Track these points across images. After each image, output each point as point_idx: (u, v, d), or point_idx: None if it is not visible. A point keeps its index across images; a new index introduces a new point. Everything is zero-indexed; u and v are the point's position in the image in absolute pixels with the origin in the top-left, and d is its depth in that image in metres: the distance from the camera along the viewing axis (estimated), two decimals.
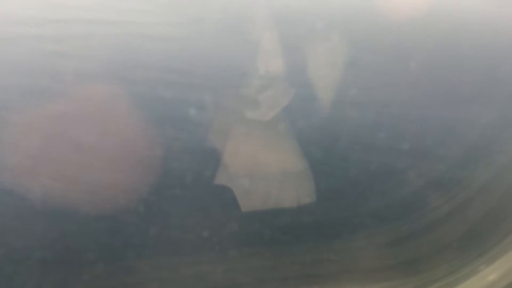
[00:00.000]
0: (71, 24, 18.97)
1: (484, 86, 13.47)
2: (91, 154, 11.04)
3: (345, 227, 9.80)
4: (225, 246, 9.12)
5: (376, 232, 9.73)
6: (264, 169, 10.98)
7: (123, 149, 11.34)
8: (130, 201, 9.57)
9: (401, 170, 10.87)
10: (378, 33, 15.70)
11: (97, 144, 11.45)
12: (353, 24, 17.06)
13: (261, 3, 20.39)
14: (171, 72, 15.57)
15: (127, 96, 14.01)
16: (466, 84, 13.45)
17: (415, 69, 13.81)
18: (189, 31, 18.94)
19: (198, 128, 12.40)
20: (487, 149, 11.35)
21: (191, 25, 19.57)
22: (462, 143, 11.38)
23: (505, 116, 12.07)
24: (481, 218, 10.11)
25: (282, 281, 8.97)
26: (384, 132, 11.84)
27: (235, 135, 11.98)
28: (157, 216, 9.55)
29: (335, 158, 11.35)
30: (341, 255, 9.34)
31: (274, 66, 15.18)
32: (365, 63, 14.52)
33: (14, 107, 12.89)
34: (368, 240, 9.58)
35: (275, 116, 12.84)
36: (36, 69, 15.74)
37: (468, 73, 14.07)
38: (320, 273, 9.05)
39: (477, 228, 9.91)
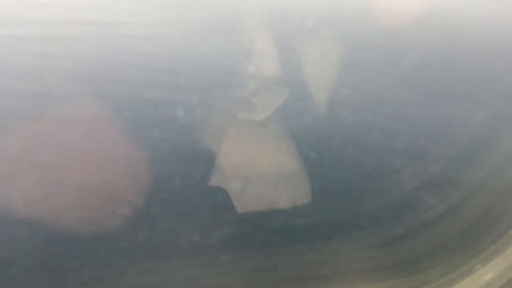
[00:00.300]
0: (55, 25, 18.67)
1: (480, 84, 13.51)
2: (75, 157, 10.85)
3: (339, 228, 9.69)
4: (217, 249, 8.96)
5: (370, 233, 9.63)
6: (254, 170, 10.83)
7: (108, 151, 11.15)
8: (117, 204, 9.38)
9: (395, 170, 10.77)
10: (372, 32, 15.65)
11: (81, 146, 11.27)
12: (347, 23, 17.06)
13: (253, 2, 20.27)
14: (157, 72, 15.39)
15: (111, 98, 13.82)
16: (461, 83, 13.45)
17: (409, 67, 13.81)
18: (179, 31, 18.75)
19: (185, 129, 12.23)
20: (482, 148, 11.31)
21: (181, 24, 19.36)
22: (456, 142, 11.34)
23: (500, 114, 12.06)
24: (476, 218, 10.10)
25: (276, 284, 8.85)
26: (379, 131, 11.77)
27: (224, 136, 11.83)
28: (146, 220, 9.36)
29: (328, 159, 11.23)
30: (336, 256, 9.23)
31: (265, 66, 15.07)
32: (360, 62, 14.44)
33: None
34: (362, 241, 9.48)
35: (265, 116, 12.70)
36: (17, 70, 15.49)
37: (463, 72, 14.10)
38: (314, 275, 8.97)
39: (472, 228, 9.90)
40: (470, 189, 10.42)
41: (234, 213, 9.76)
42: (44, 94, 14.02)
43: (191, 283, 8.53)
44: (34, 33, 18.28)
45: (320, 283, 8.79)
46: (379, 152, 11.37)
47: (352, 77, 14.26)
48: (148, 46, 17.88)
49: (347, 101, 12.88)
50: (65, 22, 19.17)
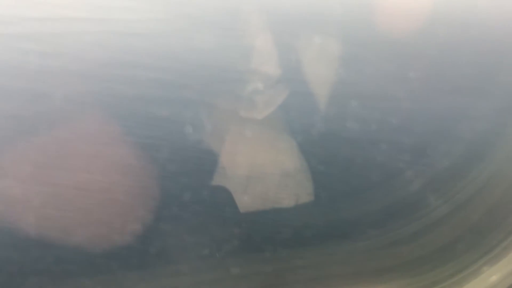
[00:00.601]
0: (47, 22, 18.27)
1: (483, 80, 13.58)
2: (68, 153, 10.62)
3: (347, 230, 9.59)
4: (221, 251, 8.80)
5: (378, 233, 9.58)
6: (257, 170, 10.68)
7: (98, 149, 10.92)
8: (112, 201, 9.22)
9: (400, 169, 10.69)
10: (372, 30, 15.65)
11: (73, 143, 11.03)
12: (346, 21, 17.03)
13: None
14: (148, 69, 15.15)
15: (103, 95, 13.56)
16: (464, 80, 13.51)
17: (409, 65, 13.82)
18: (173, 27, 18.46)
19: (184, 127, 12.03)
20: (486, 147, 11.30)
21: (175, 21, 19.09)
22: (461, 140, 11.32)
23: (507, 111, 12.09)
24: (482, 217, 10.01)
25: (284, 287, 8.71)
26: (380, 128, 11.73)
27: (226, 134, 11.65)
28: (145, 221, 9.20)
29: (332, 157, 11.12)
30: (343, 257, 9.17)
31: (265, 63, 14.91)
32: (361, 59, 14.41)
33: None
34: (370, 242, 9.45)
35: (266, 114, 12.54)
36: (8, 68, 15.12)
37: (464, 67, 14.15)
38: (322, 276, 8.80)
39: (478, 227, 9.81)
40: (475, 188, 10.35)
41: (238, 213, 9.62)
42: (36, 92, 13.63)
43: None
44: (26, 30, 17.82)
45: (330, 284, 8.66)
46: (382, 150, 11.31)
47: (355, 74, 14.22)
48: (143, 43, 17.55)
49: (350, 99, 12.82)
50: (57, 20, 18.75)
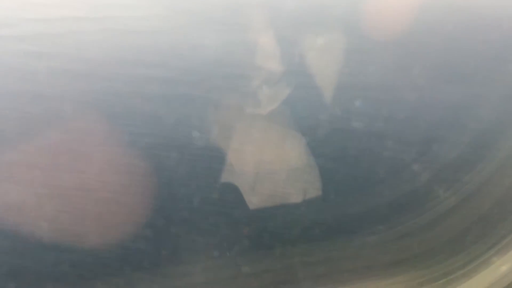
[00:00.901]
0: (48, 23, 18.12)
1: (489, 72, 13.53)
2: (68, 154, 10.57)
3: (356, 224, 9.60)
4: (231, 250, 8.79)
5: (387, 227, 9.62)
6: (265, 166, 10.64)
7: (101, 149, 10.88)
8: (118, 202, 9.19)
9: (407, 162, 10.66)
10: (376, 22, 15.58)
11: (74, 144, 10.97)
12: (350, 12, 16.99)
13: None
14: (149, 67, 15.05)
15: (104, 94, 13.48)
16: (470, 69, 13.43)
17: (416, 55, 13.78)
18: (173, 24, 18.34)
19: (177, 123, 11.98)
20: (495, 136, 11.27)
21: (175, 18, 18.96)
22: (468, 130, 11.29)
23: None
24: (490, 208, 10.02)
25: (295, 283, 8.72)
26: (386, 120, 11.68)
27: (222, 128, 11.59)
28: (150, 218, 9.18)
29: (337, 151, 11.08)
30: (353, 252, 9.21)
31: (268, 59, 14.84)
32: (365, 52, 14.34)
33: None
34: (380, 235, 9.49)
35: (271, 109, 12.47)
36: (10, 70, 15.01)
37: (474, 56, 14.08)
38: (334, 271, 8.82)
39: (486, 218, 9.81)
40: (483, 179, 10.34)
41: (246, 211, 9.60)
42: (35, 94, 13.53)
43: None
44: (24, 32, 17.68)
45: (342, 279, 8.66)
46: (388, 142, 11.27)
47: (360, 66, 14.14)
48: (143, 41, 17.42)
49: (355, 92, 12.77)
50: (56, 20, 18.60)
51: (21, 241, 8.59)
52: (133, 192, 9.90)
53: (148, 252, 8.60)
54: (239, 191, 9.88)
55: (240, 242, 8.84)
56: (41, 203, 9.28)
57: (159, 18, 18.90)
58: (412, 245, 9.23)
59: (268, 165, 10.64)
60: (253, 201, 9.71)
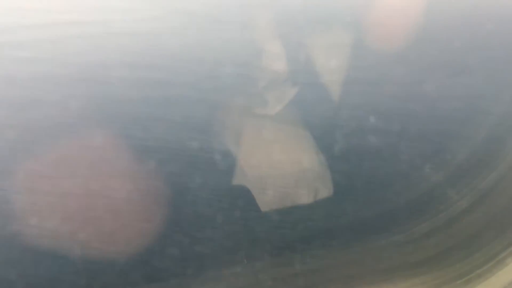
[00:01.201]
0: (43, 28, 17.86)
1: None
2: (67, 162, 10.41)
3: (369, 227, 9.56)
4: (247, 257, 8.69)
5: (400, 230, 9.63)
6: (275, 168, 10.53)
7: (101, 154, 10.72)
8: (122, 207, 9.06)
9: (421, 161, 10.61)
10: (381, 18, 15.58)
11: (74, 149, 10.81)
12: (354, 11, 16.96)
13: None
14: (146, 69, 14.88)
15: (101, 98, 13.29)
16: (479, 64, 13.41)
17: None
18: (169, 25, 18.13)
19: (180, 126, 11.85)
20: (505, 137, 11.26)
21: (172, 19, 18.73)
22: (479, 128, 11.27)
23: None
24: (502, 209, 10.01)
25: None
26: (397, 118, 11.62)
27: (227, 130, 11.48)
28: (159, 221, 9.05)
29: (349, 151, 10.99)
30: (367, 255, 9.18)
31: (272, 59, 14.71)
32: (370, 52, 14.28)
33: None
34: (394, 238, 9.49)
35: (278, 110, 12.35)
36: (5, 76, 14.79)
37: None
38: (354, 274, 8.83)
39: (499, 219, 9.80)
40: (494, 181, 10.33)
41: (260, 215, 9.51)
42: (31, 100, 13.32)
43: None
44: (19, 38, 17.39)
45: (365, 281, 8.71)
46: (402, 144, 11.20)
47: (366, 63, 14.07)
48: (140, 44, 17.19)
49: (364, 89, 12.69)
50: (51, 25, 18.31)
51: (24, 250, 8.47)
52: (136, 198, 9.75)
53: (158, 261, 8.47)
54: (250, 194, 9.78)
55: (256, 248, 8.75)
56: (39, 209, 9.12)
57: (155, 20, 18.72)
58: (426, 247, 9.26)
59: (278, 165, 10.56)
60: (265, 204, 9.62)
